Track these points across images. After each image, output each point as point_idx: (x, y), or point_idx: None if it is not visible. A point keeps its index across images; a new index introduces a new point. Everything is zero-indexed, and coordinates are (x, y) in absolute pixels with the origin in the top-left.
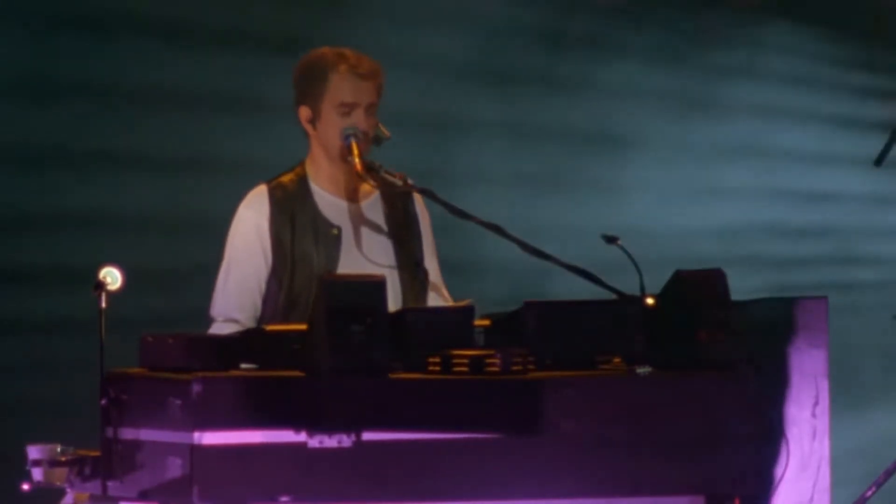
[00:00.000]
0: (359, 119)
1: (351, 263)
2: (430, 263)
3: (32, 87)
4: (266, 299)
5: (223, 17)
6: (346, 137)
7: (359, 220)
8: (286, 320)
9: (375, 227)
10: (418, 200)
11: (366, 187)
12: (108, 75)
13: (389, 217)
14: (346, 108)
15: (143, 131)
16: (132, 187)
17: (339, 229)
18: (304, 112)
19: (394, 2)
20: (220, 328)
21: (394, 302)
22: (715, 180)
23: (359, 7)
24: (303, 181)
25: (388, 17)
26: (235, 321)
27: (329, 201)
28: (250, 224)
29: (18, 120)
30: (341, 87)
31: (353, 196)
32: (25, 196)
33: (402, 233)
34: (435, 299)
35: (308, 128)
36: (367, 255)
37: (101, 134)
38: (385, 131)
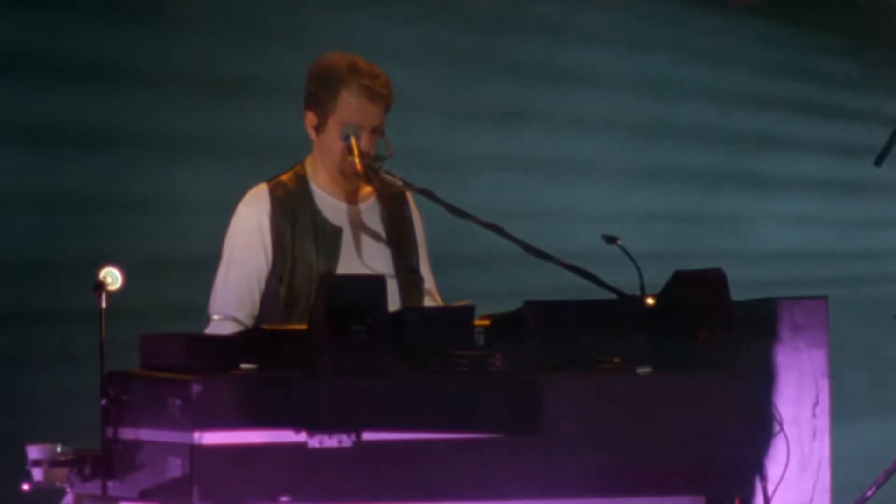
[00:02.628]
0: (363, 139)
1: (349, 266)
2: (424, 268)
3: (42, 70)
4: (265, 297)
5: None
6: (346, 137)
7: (358, 222)
8: (285, 319)
9: (373, 232)
10: (412, 205)
11: (364, 190)
12: (121, 60)
13: (387, 221)
14: (351, 128)
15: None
16: (136, 175)
17: (340, 231)
18: (311, 118)
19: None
20: (218, 326)
21: (392, 305)
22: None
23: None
24: (303, 181)
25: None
26: (234, 319)
27: (329, 202)
28: (251, 222)
29: (26, 99)
30: (350, 107)
31: (352, 198)
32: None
33: (399, 238)
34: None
35: (311, 133)
36: (365, 260)
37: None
38: (388, 148)
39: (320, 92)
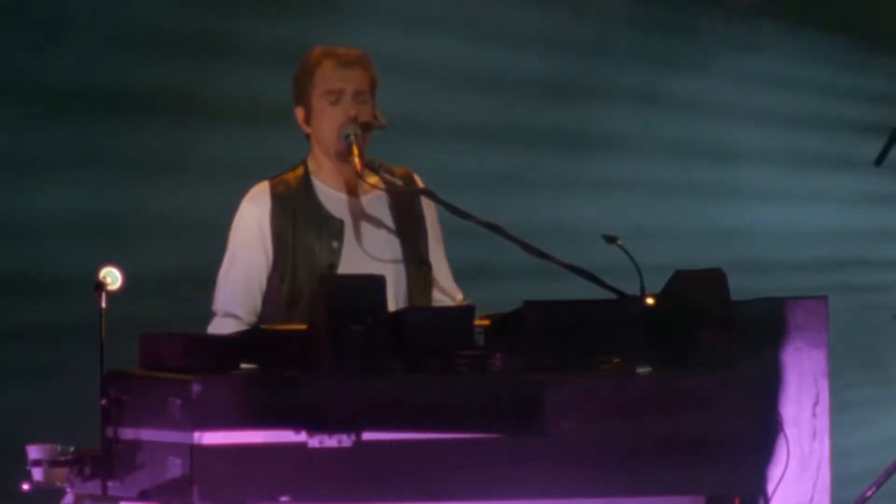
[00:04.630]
0: (347, 106)
1: (353, 258)
2: (440, 260)
3: (28, 91)
4: (268, 294)
5: (219, 23)
6: (346, 137)
7: (361, 214)
8: (289, 315)
9: (378, 222)
10: (423, 197)
11: (369, 181)
12: (107, 78)
13: (395, 211)
14: (333, 97)
15: (142, 134)
16: (133, 189)
17: (342, 223)
18: (299, 113)
19: (389, 6)
20: (219, 323)
21: (397, 295)
22: (717, 181)
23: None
24: (305, 176)
25: (384, 20)
26: (235, 316)
27: (331, 196)
28: (252, 219)
29: (13, 123)
30: (325, 77)
31: (355, 191)
32: (24, 196)
33: (408, 228)
34: (443, 298)
35: (305, 128)
36: (369, 250)
37: (101, 136)
38: (381, 119)
39: (300, 81)
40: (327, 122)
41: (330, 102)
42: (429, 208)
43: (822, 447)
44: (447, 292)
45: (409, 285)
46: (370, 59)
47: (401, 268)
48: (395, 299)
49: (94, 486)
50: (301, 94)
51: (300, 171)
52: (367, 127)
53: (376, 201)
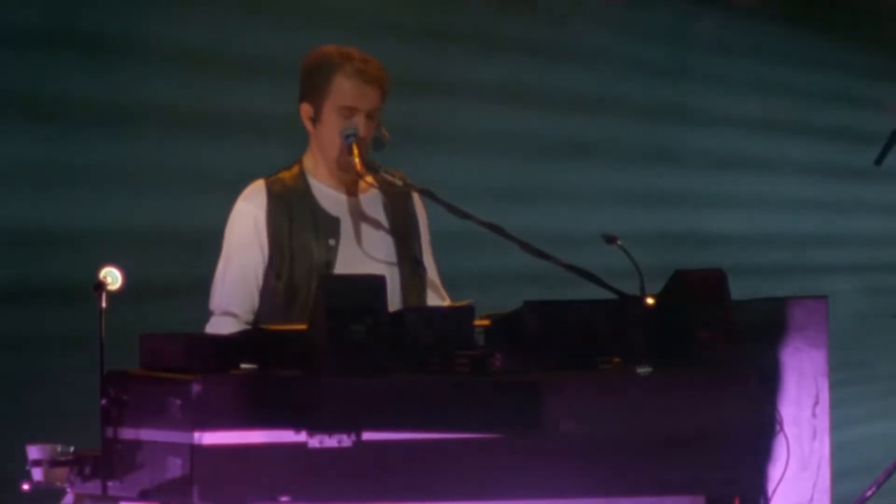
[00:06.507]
0: (359, 123)
1: (349, 257)
2: (428, 261)
3: (26, 100)
4: (264, 293)
5: (217, 32)
6: (347, 137)
7: (358, 213)
8: (286, 313)
9: (375, 222)
10: (417, 199)
11: (366, 180)
12: (100, 88)
13: (389, 212)
14: (347, 112)
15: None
16: (132, 195)
17: (339, 221)
18: (306, 109)
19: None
20: (218, 322)
21: (392, 297)
22: (709, 188)
23: None
24: (301, 175)
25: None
26: (233, 315)
27: (328, 194)
28: (248, 217)
29: (12, 132)
30: (344, 91)
31: (351, 190)
32: (24, 197)
33: (402, 229)
34: (433, 298)
35: (308, 125)
36: (366, 250)
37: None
38: (386, 135)
39: (314, 80)
40: (336, 133)
41: (342, 117)
42: (421, 211)
43: (822, 447)
44: (439, 294)
45: (403, 286)
46: (387, 74)
47: (395, 269)
48: (391, 300)
49: (94, 486)
50: (312, 94)
51: (296, 169)
52: (377, 145)
53: (373, 200)
